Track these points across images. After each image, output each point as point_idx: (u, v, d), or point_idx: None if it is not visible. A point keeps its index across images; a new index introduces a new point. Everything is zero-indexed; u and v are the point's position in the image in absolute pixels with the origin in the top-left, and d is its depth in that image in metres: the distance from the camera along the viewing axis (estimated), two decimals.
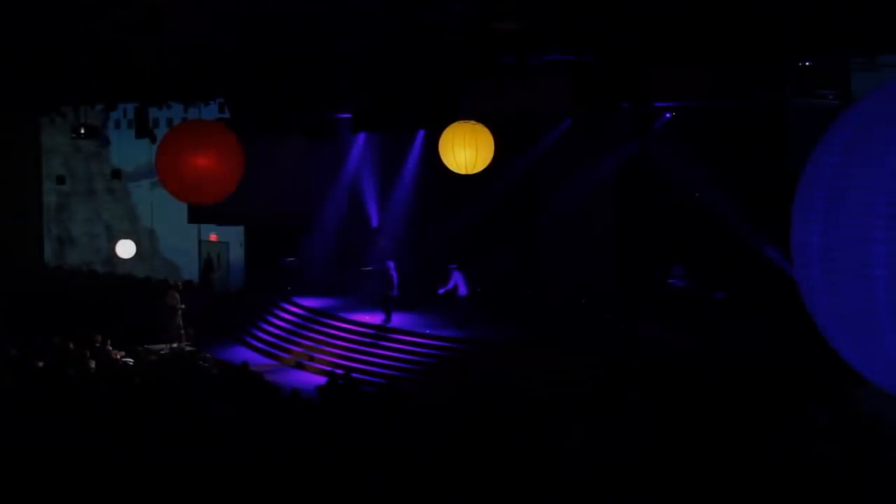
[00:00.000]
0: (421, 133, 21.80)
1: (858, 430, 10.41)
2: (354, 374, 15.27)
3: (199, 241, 27.42)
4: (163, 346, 18.28)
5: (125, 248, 21.13)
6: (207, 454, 7.38)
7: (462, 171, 13.48)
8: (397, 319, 19.46)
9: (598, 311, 18.89)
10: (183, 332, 19.20)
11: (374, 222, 23.75)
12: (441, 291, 18.90)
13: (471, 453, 8.88)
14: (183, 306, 19.43)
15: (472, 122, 13.55)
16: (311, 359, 19.00)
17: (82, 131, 21.36)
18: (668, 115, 17.78)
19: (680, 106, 17.13)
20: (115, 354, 15.63)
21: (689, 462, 8.68)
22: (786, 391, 13.59)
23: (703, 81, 15.92)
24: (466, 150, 13.28)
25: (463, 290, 18.80)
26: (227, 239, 26.99)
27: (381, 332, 19.10)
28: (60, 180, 28.87)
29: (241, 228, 26.22)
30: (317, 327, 20.21)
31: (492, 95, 17.37)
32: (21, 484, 6.77)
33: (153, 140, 20.27)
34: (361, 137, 23.02)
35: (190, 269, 27.43)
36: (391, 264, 19.96)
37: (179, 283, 20.65)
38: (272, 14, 11.18)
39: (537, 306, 20.09)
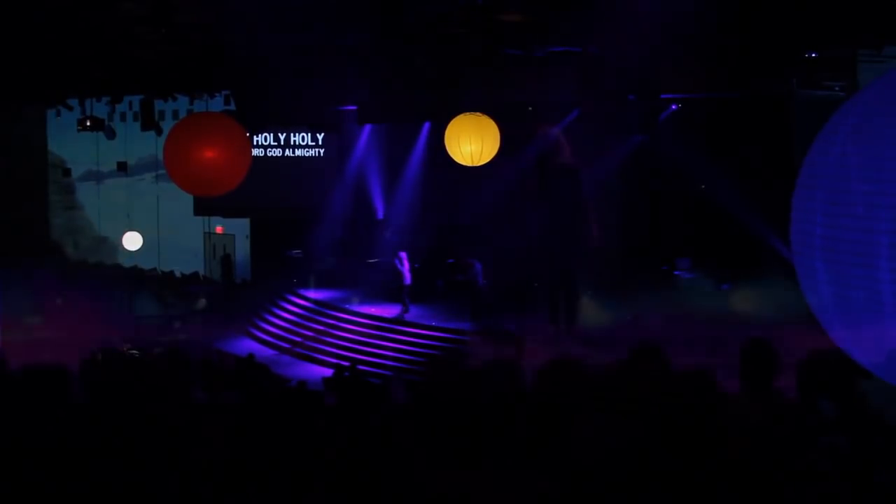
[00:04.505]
0: (427, 125, 21.77)
1: (865, 422, 10.37)
2: (360, 367, 15.28)
3: (205, 234, 27.44)
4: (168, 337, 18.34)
5: (131, 240, 21.18)
6: (210, 447, 7.37)
7: (468, 163, 13.48)
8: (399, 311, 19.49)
9: (602, 303, 18.86)
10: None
11: (380, 214, 23.75)
12: (440, 283, 18.90)
13: (476, 444, 8.86)
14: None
15: (478, 113, 13.55)
16: (318, 351, 19.03)
17: (88, 123, 21.40)
18: (674, 107, 17.75)
19: (686, 98, 17.10)
20: (121, 346, 15.68)
21: (692, 452, 8.66)
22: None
23: (710, 73, 15.90)
24: (472, 142, 13.28)
25: (480, 279, 18.85)
26: (233, 231, 27.02)
27: (389, 323, 19.10)
28: (66, 173, 28.91)
29: (246, 221, 26.26)
30: (323, 319, 20.24)
31: (498, 87, 17.37)
32: (22, 480, 6.77)
33: (159, 133, 20.29)
34: (367, 129, 23.02)
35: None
36: (403, 255, 19.97)
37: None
38: (277, 6, 11.19)
39: (542, 297, 20.07)
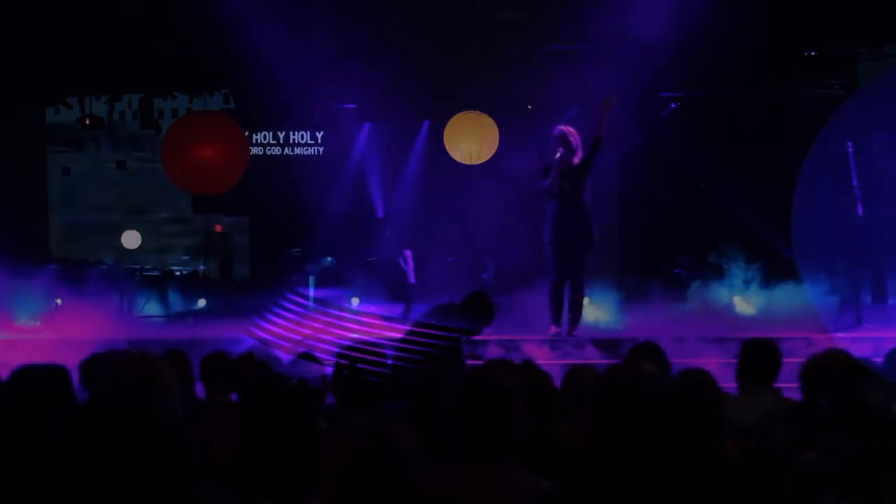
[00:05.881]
0: (426, 123, 21.76)
1: (865, 421, 10.36)
2: (360, 366, 15.26)
3: (204, 233, 27.43)
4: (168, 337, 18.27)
5: (130, 239, 21.18)
6: (210, 446, 7.37)
7: (467, 162, 13.52)
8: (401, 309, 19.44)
9: (602, 302, 18.85)
10: None
11: (380, 212, 23.72)
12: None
13: (476, 444, 8.85)
14: None
15: (477, 112, 13.59)
16: (317, 349, 18.99)
17: (87, 122, 21.41)
18: (673, 106, 17.74)
19: (685, 96, 17.11)
20: (122, 346, 15.66)
21: (691, 453, 8.66)
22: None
23: (709, 72, 15.89)
24: (471, 140, 13.31)
25: (490, 279, 18.89)
26: (232, 230, 26.99)
27: (390, 322, 19.05)
28: (66, 171, 28.89)
29: (245, 219, 26.25)
30: (323, 318, 20.17)
31: (498, 86, 17.39)
32: (21, 481, 6.78)
33: (158, 131, 20.28)
34: (366, 128, 22.99)
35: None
36: (408, 253, 19.94)
37: None
38: (277, 4, 11.21)
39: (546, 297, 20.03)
